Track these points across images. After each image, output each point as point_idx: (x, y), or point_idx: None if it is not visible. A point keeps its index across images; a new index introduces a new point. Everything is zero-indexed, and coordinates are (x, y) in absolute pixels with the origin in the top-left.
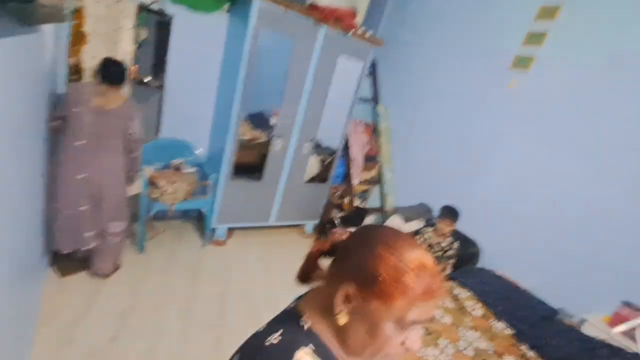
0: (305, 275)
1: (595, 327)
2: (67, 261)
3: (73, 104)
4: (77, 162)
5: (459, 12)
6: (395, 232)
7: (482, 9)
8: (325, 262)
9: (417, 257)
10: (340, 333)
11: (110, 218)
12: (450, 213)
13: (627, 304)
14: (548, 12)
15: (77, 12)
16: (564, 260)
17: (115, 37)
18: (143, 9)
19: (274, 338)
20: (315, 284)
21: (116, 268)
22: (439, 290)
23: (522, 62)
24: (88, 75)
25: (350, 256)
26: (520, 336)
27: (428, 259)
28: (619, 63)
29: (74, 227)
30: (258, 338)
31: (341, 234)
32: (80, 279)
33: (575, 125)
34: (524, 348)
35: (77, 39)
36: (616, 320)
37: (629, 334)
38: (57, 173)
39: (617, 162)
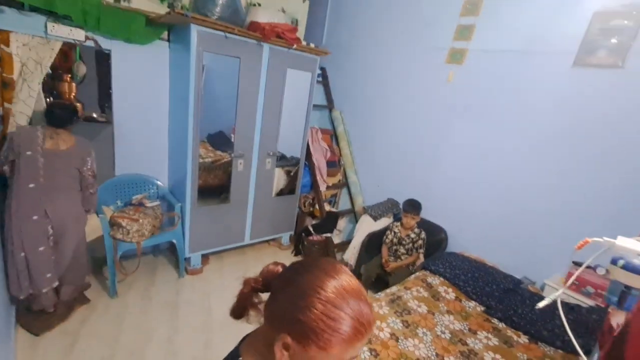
0: (238, 312)
1: (553, 289)
2: (32, 315)
3: (24, 147)
4: (32, 204)
5: (392, 13)
6: (325, 272)
7: (414, 8)
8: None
9: (350, 298)
10: None
11: (70, 255)
12: (411, 207)
13: (576, 264)
14: (472, 7)
15: (1, 60)
16: (519, 232)
17: (37, 75)
18: (78, 45)
19: None
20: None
21: (87, 287)
22: (372, 324)
23: (456, 56)
24: (20, 120)
25: (282, 302)
26: (490, 311)
27: (360, 294)
28: (531, 47)
29: (32, 269)
30: None
31: (273, 268)
32: (51, 336)
33: (508, 107)
34: (495, 321)
35: (2, 85)
36: (569, 279)
37: (582, 291)
38: (11, 216)
39: (549, 136)
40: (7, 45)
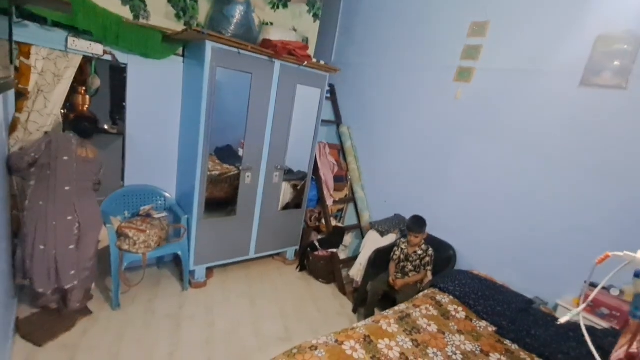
0: None
1: (566, 310)
2: (34, 326)
3: (61, 152)
4: (67, 204)
5: (401, 32)
6: None
7: (422, 29)
8: None
9: None
10: None
11: (87, 256)
12: (415, 225)
13: (592, 284)
14: (479, 28)
15: (18, 71)
16: (529, 251)
17: (55, 87)
18: (94, 58)
19: None
20: None
21: (90, 298)
22: None
23: (463, 75)
24: (32, 129)
25: None
26: (502, 332)
27: None
28: (538, 67)
29: (60, 266)
30: None
31: None
32: (50, 349)
33: (515, 125)
34: (507, 343)
35: (18, 95)
36: (584, 301)
37: (597, 312)
38: (46, 216)
39: (557, 154)
40: (27, 57)
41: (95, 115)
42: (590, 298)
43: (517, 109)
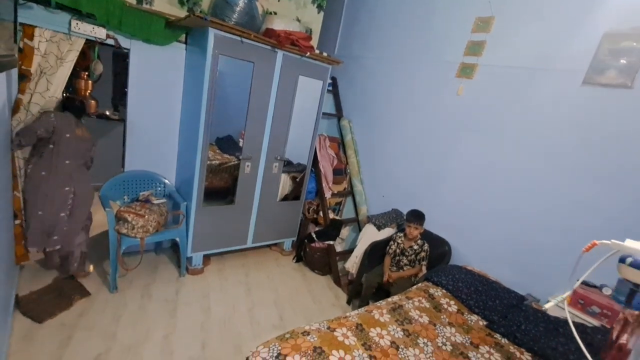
0: None
1: (558, 308)
2: (34, 304)
3: (64, 130)
4: (66, 177)
5: (405, 26)
6: None
7: (426, 24)
8: None
9: None
10: None
11: (79, 227)
12: (415, 217)
13: (586, 284)
14: (484, 24)
15: (22, 52)
16: (524, 249)
17: (58, 70)
18: (97, 44)
19: None
20: None
21: (86, 258)
22: None
23: (466, 71)
24: (34, 110)
25: None
26: (493, 326)
27: None
28: (541, 65)
29: (48, 230)
30: None
31: None
32: (48, 327)
33: (516, 123)
34: (497, 337)
35: (20, 76)
36: (574, 299)
37: (587, 310)
38: (44, 185)
39: (557, 153)
40: (31, 39)
41: (90, 100)
42: (577, 284)
43: (518, 107)
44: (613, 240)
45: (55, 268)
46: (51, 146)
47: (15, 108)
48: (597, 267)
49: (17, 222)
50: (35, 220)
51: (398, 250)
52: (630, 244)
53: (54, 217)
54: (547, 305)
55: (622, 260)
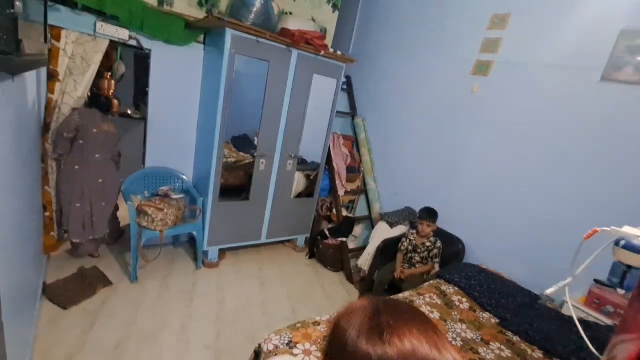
0: None
1: (573, 308)
2: (60, 290)
3: (91, 126)
4: (97, 170)
5: (420, 25)
6: None
7: (441, 22)
8: None
9: None
10: None
11: (110, 212)
12: (427, 214)
13: (598, 282)
14: (500, 21)
15: (50, 53)
16: (540, 249)
17: (85, 71)
18: (120, 45)
19: None
20: None
21: (99, 255)
22: None
23: (481, 68)
24: (65, 110)
25: None
26: (505, 323)
27: None
28: (557, 61)
29: (89, 221)
30: None
31: None
32: (74, 313)
33: (532, 120)
34: (509, 334)
35: (48, 76)
36: (590, 299)
37: (602, 310)
38: (79, 179)
39: (574, 150)
40: (58, 40)
41: (113, 99)
42: (579, 271)
43: (534, 104)
44: (613, 227)
45: (89, 254)
46: (81, 142)
47: (49, 107)
48: (599, 254)
49: (47, 214)
50: (75, 213)
51: (410, 248)
52: (627, 229)
53: (92, 208)
54: (548, 291)
55: (617, 243)
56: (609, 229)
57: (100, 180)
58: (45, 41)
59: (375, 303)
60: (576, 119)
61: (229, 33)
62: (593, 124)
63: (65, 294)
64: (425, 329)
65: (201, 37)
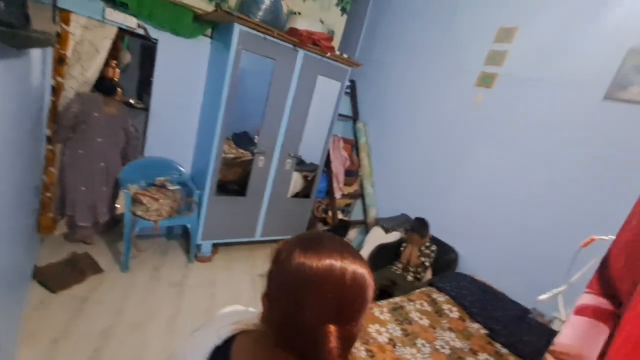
0: None
1: (563, 323)
2: (50, 274)
3: (92, 110)
4: (100, 154)
5: (428, 33)
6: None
7: (448, 30)
8: None
9: None
10: None
11: (109, 198)
12: (420, 226)
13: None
14: (507, 34)
15: (60, 37)
16: (534, 263)
17: (93, 57)
18: (127, 33)
19: None
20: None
21: (92, 242)
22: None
23: (486, 80)
24: (69, 94)
25: None
26: (494, 335)
27: None
28: (562, 78)
29: (94, 204)
30: None
31: None
32: (62, 297)
33: (533, 135)
34: (498, 346)
35: (58, 60)
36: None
37: None
38: (83, 163)
39: (573, 167)
40: (67, 24)
41: (118, 86)
42: (574, 278)
43: (536, 118)
44: (610, 236)
45: (83, 240)
46: (84, 126)
47: (57, 90)
48: (594, 264)
49: (48, 194)
50: (80, 196)
51: (407, 252)
52: None
53: (96, 191)
54: (541, 297)
55: None
56: (606, 237)
57: (103, 164)
58: (54, 22)
59: (303, 233)
60: (577, 135)
61: (237, 28)
62: (594, 141)
63: (55, 277)
64: (341, 245)
65: (209, 32)
